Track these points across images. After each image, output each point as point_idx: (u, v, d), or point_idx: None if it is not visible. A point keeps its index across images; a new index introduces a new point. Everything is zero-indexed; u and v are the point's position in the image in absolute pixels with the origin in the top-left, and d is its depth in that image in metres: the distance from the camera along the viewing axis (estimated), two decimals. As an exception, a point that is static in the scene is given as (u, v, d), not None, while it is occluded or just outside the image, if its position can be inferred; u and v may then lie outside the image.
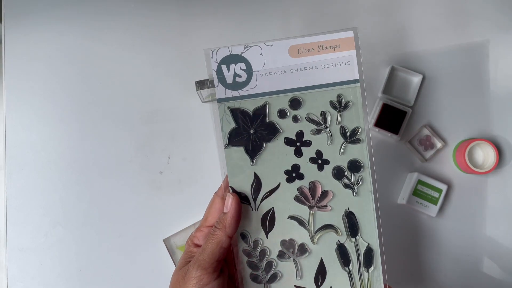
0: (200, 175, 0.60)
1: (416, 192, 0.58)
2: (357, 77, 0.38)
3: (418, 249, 0.59)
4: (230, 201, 0.37)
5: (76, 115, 0.61)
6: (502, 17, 0.64)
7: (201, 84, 0.54)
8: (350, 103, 0.39)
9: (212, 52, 0.39)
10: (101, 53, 0.62)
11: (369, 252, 0.39)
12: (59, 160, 0.60)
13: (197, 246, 0.39)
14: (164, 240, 0.58)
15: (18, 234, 0.59)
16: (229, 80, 0.39)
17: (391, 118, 0.60)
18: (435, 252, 0.59)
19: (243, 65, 0.39)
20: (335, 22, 0.64)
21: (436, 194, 0.58)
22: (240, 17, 0.64)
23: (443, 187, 0.58)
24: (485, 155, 0.59)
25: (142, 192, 0.60)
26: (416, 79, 0.61)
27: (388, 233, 0.59)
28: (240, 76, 0.39)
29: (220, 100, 0.39)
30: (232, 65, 0.39)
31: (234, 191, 0.38)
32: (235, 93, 0.39)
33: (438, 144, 0.60)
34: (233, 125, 0.39)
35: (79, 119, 0.61)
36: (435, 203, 0.58)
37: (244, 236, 0.38)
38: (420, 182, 0.58)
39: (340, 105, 0.39)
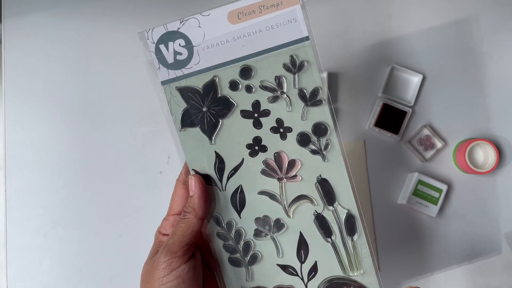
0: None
1: (416, 192, 0.58)
2: (306, 34, 0.35)
3: (418, 249, 0.59)
4: (193, 182, 0.35)
5: (76, 115, 0.61)
6: (503, 20, 0.64)
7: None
8: (305, 63, 0.35)
9: (147, 32, 0.36)
10: (101, 52, 0.62)
11: (350, 219, 0.36)
12: (59, 160, 0.60)
13: (165, 235, 0.37)
14: (164, 240, 0.58)
15: (18, 234, 0.59)
16: (170, 59, 0.36)
17: (391, 118, 0.60)
18: (435, 252, 0.59)
19: (182, 41, 0.36)
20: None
21: (436, 194, 0.58)
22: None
23: (443, 187, 0.58)
24: (485, 155, 0.59)
25: (142, 192, 0.60)
26: (416, 79, 0.61)
27: (388, 233, 0.60)
28: (180, 54, 0.36)
29: (164, 83, 0.36)
30: (170, 43, 0.36)
31: (197, 173, 0.36)
32: (178, 73, 0.36)
33: (438, 144, 0.60)
34: (183, 105, 0.36)
35: (79, 119, 0.61)
36: (435, 203, 0.58)
37: (216, 219, 0.36)
38: (420, 182, 0.58)
39: (295, 66, 0.35)
